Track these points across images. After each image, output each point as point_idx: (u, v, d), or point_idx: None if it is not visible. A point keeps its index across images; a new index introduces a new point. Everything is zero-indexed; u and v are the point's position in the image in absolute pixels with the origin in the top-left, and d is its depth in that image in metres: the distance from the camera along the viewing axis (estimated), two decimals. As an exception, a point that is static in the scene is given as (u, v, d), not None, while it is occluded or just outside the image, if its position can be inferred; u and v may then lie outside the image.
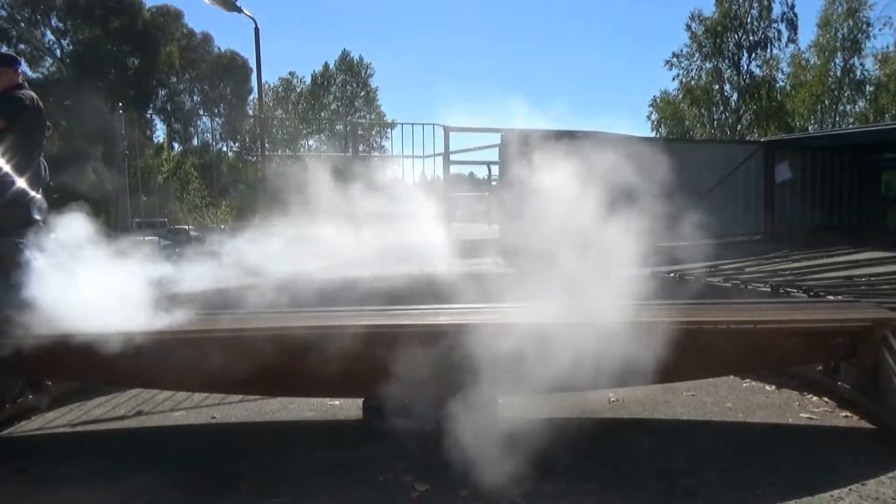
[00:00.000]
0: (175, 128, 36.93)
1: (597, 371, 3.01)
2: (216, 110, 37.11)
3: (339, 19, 56.53)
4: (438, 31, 60.16)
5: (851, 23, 26.93)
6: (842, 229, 10.69)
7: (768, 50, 28.87)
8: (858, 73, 27.66)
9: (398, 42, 57.51)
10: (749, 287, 5.31)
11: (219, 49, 37.53)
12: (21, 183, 3.59)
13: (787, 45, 28.62)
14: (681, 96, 30.42)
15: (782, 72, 29.48)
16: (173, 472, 3.14)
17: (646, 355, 3.07)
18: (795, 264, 6.70)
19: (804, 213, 12.19)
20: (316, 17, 51.59)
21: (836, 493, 2.77)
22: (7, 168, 3.59)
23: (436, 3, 55.94)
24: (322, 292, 4.26)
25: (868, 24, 26.73)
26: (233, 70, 37.11)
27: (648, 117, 31.37)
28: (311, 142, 30.60)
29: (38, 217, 3.60)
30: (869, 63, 27.49)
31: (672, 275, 6.04)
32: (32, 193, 3.57)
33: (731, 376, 4.49)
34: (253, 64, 31.26)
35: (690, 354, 3.34)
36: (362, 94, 41.42)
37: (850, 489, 2.80)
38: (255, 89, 22.16)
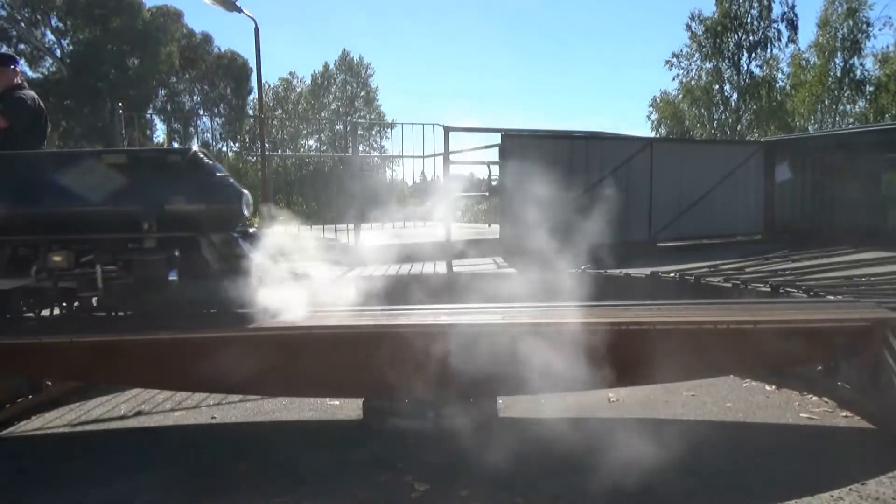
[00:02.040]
0: (175, 128, 36.91)
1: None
2: (216, 110, 37.04)
3: (339, 19, 56.50)
4: (438, 31, 60.20)
5: (851, 23, 26.83)
6: (842, 229, 10.69)
7: (768, 50, 28.76)
8: (858, 73, 27.58)
9: (398, 42, 57.55)
10: (749, 287, 5.30)
11: (219, 49, 37.44)
12: (232, 180, 3.74)
13: (787, 45, 28.51)
14: (681, 96, 30.35)
15: (782, 72, 29.39)
16: (173, 472, 3.14)
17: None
18: (795, 264, 6.68)
19: (804, 213, 12.19)
20: (316, 17, 51.56)
21: (836, 493, 2.77)
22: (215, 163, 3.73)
23: (436, 3, 56.04)
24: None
25: (868, 24, 26.63)
26: (233, 70, 37.04)
27: (648, 117, 31.25)
28: (311, 142, 30.56)
29: (246, 212, 3.72)
30: (869, 63, 27.39)
31: (672, 275, 6.03)
32: (242, 190, 3.70)
33: (731, 376, 4.50)
34: (253, 64, 31.27)
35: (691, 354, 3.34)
36: (362, 94, 41.33)
37: (850, 489, 2.80)
38: (255, 89, 22.13)
